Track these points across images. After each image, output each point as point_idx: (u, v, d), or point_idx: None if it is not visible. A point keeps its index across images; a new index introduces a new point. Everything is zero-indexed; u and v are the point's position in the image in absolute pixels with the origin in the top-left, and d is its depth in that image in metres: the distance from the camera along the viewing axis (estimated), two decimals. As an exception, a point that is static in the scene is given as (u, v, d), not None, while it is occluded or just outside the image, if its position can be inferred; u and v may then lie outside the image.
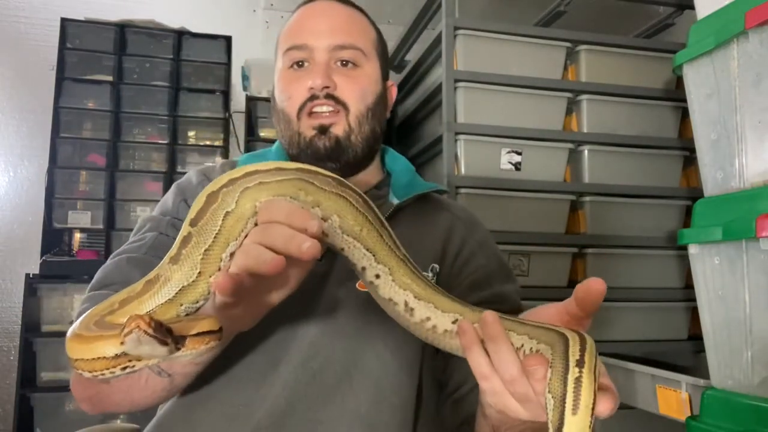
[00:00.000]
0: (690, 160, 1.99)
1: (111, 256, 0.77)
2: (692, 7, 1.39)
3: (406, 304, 0.55)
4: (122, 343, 0.43)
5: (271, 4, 2.79)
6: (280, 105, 0.81)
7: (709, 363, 1.26)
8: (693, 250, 1.29)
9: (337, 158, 0.80)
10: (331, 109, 0.79)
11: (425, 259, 0.81)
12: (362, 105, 0.80)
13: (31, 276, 2.07)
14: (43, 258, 2.10)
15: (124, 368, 0.48)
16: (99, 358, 0.47)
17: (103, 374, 0.48)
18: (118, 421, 1.90)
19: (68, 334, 0.50)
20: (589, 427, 0.43)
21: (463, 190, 1.79)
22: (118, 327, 0.47)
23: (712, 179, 1.29)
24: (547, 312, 0.53)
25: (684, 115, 2.00)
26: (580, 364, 0.46)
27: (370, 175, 0.88)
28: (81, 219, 2.22)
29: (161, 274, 0.52)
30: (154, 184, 2.31)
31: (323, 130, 0.78)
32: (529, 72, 1.90)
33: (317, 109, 0.78)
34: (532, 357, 0.48)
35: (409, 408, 0.76)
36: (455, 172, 1.81)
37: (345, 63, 0.81)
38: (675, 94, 1.97)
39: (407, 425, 0.75)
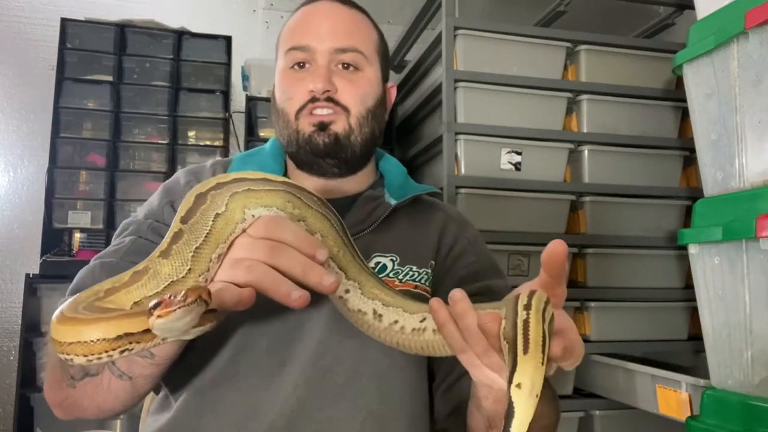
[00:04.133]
0: (690, 160, 1.99)
1: (93, 259, 0.76)
2: (692, 7, 1.39)
3: (374, 311, 0.58)
4: (173, 312, 0.43)
5: (271, 4, 2.79)
6: (280, 104, 0.82)
7: (709, 363, 1.26)
8: (693, 250, 1.29)
9: (335, 155, 0.80)
10: (331, 111, 0.79)
11: (425, 256, 0.84)
12: (362, 108, 0.81)
13: (31, 276, 2.06)
14: (43, 258, 2.10)
15: (123, 351, 0.47)
16: (100, 339, 0.47)
17: (100, 357, 0.47)
18: (118, 423, 1.90)
19: (56, 319, 0.48)
20: (542, 363, 0.43)
21: (463, 190, 1.79)
22: (114, 311, 0.49)
23: (712, 179, 1.29)
24: (521, 289, 0.54)
25: (684, 115, 2.00)
26: (527, 308, 0.46)
27: (366, 175, 0.89)
28: (81, 219, 2.21)
29: (150, 267, 0.52)
30: (154, 184, 2.30)
31: (323, 126, 0.79)
32: (529, 72, 1.90)
33: (317, 111, 0.79)
34: (485, 315, 0.48)
35: (418, 400, 0.78)
36: (455, 172, 1.81)
37: (346, 66, 0.81)
38: (675, 94, 1.97)
39: (419, 417, 0.77)
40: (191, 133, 2.38)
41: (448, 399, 0.79)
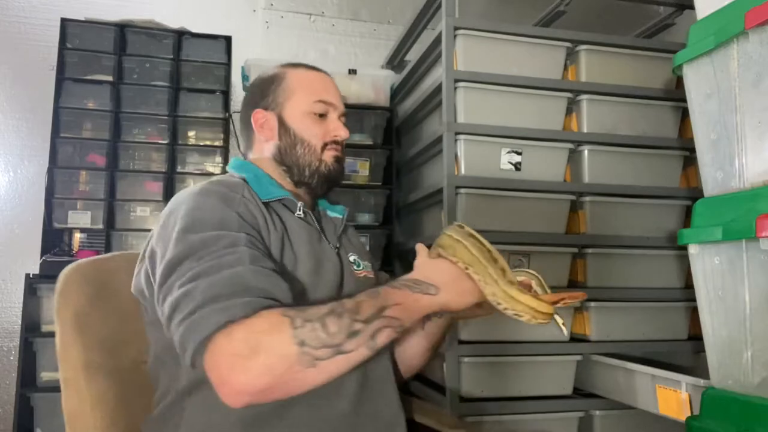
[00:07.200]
0: (690, 160, 2.00)
1: (237, 267, 0.78)
2: (692, 7, 1.39)
3: None
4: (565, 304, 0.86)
5: (271, 4, 2.79)
6: (306, 137, 1.03)
7: (709, 363, 1.26)
8: (693, 250, 1.29)
9: (340, 182, 1.09)
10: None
11: (365, 252, 1.13)
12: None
13: (31, 276, 2.06)
14: (43, 258, 2.10)
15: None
16: (548, 313, 0.82)
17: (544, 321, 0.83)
18: None
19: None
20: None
21: (463, 190, 1.79)
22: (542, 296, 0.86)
23: (712, 179, 1.29)
24: None
25: (684, 115, 2.00)
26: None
27: None
28: (81, 219, 2.21)
29: (512, 280, 0.83)
30: (154, 184, 2.30)
31: (339, 160, 1.06)
32: (529, 72, 1.90)
33: (336, 149, 1.06)
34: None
35: (392, 363, 1.04)
36: (455, 172, 1.81)
37: None
38: (675, 94, 1.97)
39: (394, 374, 1.02)
40: (191, 133, 2.38)
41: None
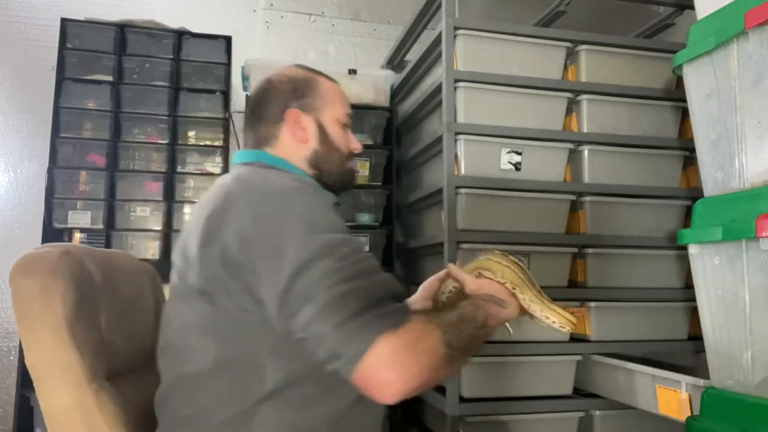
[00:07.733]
0: (690, 160, 2.00)
1: (372, 276, 0.81)
2: (692, 7, 1.39)
3: None
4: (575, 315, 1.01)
5: (271, 4, 2.79)
6: (341, 146, 1.09)
7: (709, 363, 1.27)
8: (693, 250, 1.29)
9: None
10: None
11: None
12: None
13: (31, 276, 2.06)
14: (43, 258, 2.10)
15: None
16: (575, 323, 1.00)
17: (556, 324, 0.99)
18: None
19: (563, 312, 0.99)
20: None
21: (463, 190, 1.79)
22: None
23: (712, 179, 1.29)
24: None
25: (684, 115, 2.00)
26: None
27: None
28: (81, 219, 2.21)
29: (550, 299, 1.00)
30: (154, 184, 2.30)
31: (355, 169, 1.17)
32: (529, 72, 1.90)
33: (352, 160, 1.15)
34: None
35: None
36: (455, 172, 1.81)
37: None
38: (675, 94, 1.97)
39: None
40: (191, 133, 2.38)
41: None
